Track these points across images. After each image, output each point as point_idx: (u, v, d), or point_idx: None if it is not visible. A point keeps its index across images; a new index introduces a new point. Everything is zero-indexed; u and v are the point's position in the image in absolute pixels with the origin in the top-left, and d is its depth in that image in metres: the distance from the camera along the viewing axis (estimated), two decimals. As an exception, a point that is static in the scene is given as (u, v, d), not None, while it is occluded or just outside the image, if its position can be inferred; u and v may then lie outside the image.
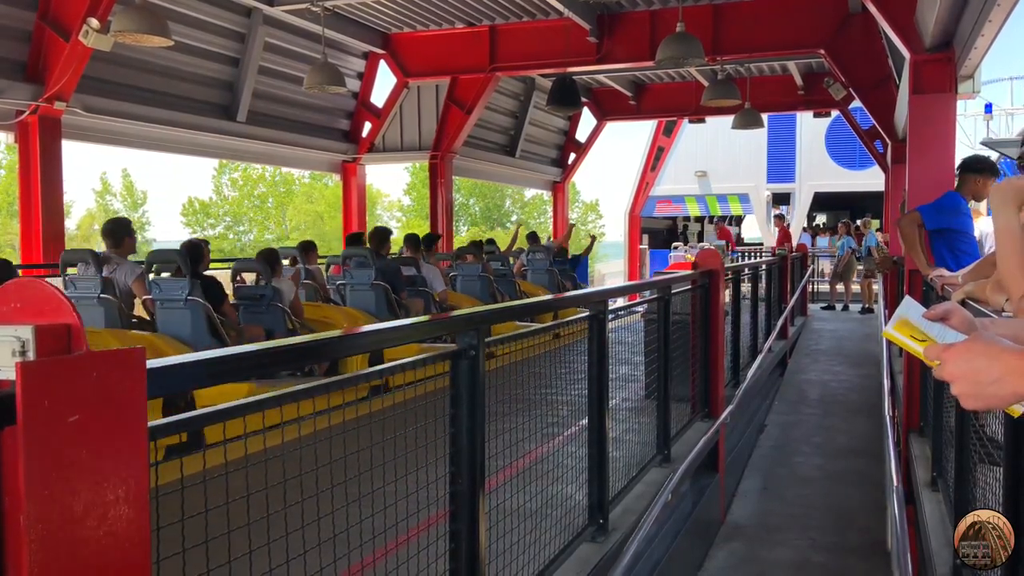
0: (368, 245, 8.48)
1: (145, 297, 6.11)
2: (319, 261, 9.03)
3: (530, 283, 11.60)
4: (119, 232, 6.23)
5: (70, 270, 6.30)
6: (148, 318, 6.23)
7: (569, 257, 14.02)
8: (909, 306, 1.26)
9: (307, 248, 8.52)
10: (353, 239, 9.38)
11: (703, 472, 5.40)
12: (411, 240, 9.23)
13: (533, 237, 13.18)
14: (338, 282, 8.18)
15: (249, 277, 7.31)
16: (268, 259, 6.77)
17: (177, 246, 6.53)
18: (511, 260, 11.70)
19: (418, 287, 8.44)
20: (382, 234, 8.64)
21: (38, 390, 1.11)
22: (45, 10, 7.83)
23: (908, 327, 1.23)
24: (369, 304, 7.78)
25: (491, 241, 12.81)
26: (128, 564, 1.23)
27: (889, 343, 8.51)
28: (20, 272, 5.33)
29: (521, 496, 3.08)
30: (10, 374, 1.11)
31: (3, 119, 7.89)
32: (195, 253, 6.13)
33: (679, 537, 4.58)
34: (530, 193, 44.64)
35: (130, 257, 6.36)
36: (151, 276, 6.30)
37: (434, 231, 12.14)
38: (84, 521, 1.17)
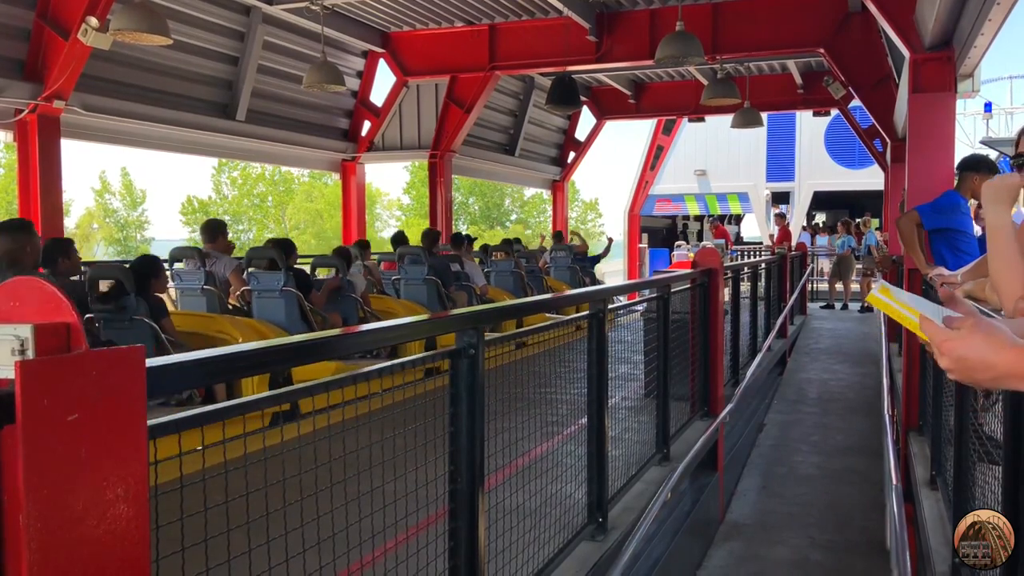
0: (421, 244, 9.47)
1: (243, 288, 6.69)
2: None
3: (554, 279, 12.49)
4: (215, 230, 7.17)
5: (177, 265, 6.93)
6: (238, 305, 6.78)
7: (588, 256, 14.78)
8: (903, 294, 1.22)
9: (364, 246, 9.46)
10: (398, 239, 10.20)
11: (702, 471, 5.41)
12: (456, 239, 10.41)
13: (558, 237, 14.28)
14: (392, 277, 9.03)
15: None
16: (343, 255, 7.68)
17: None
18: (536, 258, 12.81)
19: (462, 282, 9.25)
20: (433, 235, 9.85)
21: (37, 389, 1.11)
22: (44, 9, 7.79)
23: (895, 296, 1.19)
24: (421, 297, 8.61)
25: (517, 240, 14.20)
26: (128, 563, 1.23)
27: (889, 342, 8.52)
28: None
29: (520, 495, 3.08)
30: (9, 373, 1.11)
31: (2, 118, 7.85)
32: (288, 249, 6.91)
33: (678, 536, 4.58)
34: (529, 192, 44.66)
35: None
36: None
37: (434, 230, 12.25)
38: (84, 520, 1.17)
